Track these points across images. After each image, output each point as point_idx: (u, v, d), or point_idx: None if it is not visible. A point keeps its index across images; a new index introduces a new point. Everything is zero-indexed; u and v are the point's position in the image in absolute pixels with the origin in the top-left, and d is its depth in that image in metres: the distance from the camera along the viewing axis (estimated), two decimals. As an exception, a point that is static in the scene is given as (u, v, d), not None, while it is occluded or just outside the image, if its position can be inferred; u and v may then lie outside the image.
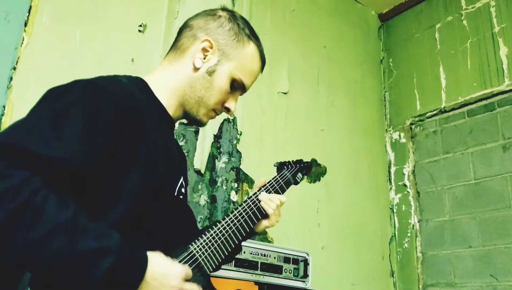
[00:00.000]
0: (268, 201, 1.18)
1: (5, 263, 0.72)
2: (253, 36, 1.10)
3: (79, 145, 0.76)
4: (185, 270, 0.85)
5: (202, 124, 1.10)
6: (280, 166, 1.36)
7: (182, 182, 1.07)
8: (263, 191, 1.21)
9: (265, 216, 1.18)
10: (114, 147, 0.83)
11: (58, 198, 0.71)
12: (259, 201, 1.17)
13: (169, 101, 1.04)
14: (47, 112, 0.78)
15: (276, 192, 1.24)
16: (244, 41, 1.08)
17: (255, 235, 1.26)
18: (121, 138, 0.84)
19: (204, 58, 1.04)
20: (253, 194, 1.19)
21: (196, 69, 1.04)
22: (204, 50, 1.05)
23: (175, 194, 1.03)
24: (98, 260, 0.71)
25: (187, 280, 0.85)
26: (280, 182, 1.27)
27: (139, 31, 2.03)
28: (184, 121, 1.12)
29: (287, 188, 1.30)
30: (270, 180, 1.26)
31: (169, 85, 1.04)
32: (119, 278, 0.73)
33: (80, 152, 0.76)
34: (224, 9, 1.11)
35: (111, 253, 0.72)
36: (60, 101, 0.81)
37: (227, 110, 1.09)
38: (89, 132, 0.78)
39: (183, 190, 1.08)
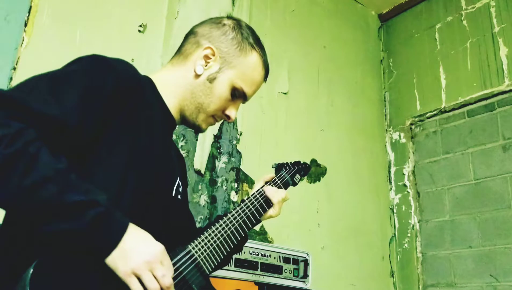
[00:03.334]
0: (274, 193, 1.19)
1: None
2: (257, 46, 1.11)
3: (75, 109, 0.79)
4: (164, 253, 0.82)
5: (201, 130, 1.11)
6: (278, 168, 1.37)
7: (179, 182, 1.06)
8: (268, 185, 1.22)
9: (259, 220, 1.18)
10: (109, 117, 0.85)
11: (51, 151, 0.74)
12: (263, 193, 1.18)
13: (171, 103, 1.05)
14: (50, 76, 0.83)
15: None
16: (246, 50, 1.08)
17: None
18: (117, 111, 0.87)
19: (206, 65, 1.06)
20: (251, 195, 1.19)
21: (197, 75, 1.06)
22: (206, 57, 1.06)
23: (173, 194, 1.03)
24: (86, 209, 0.73)
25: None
26: (279, 183, 1.27)
27: (139, 31, 2.03)
28: None
29: (286, 190, 1.29)
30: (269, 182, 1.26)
31: (171, 89, 1.06)
32: (106, 226, 0.75)
33: (75, 115, 0.79)
34: (230, 17, 1.12)
35: (99, 205, 0.75)
36: (64, 69, 0.87)
37: (228, 117, 1.11)
38: (86, 99, 0.82)
39: (180, 190, 1.08)
